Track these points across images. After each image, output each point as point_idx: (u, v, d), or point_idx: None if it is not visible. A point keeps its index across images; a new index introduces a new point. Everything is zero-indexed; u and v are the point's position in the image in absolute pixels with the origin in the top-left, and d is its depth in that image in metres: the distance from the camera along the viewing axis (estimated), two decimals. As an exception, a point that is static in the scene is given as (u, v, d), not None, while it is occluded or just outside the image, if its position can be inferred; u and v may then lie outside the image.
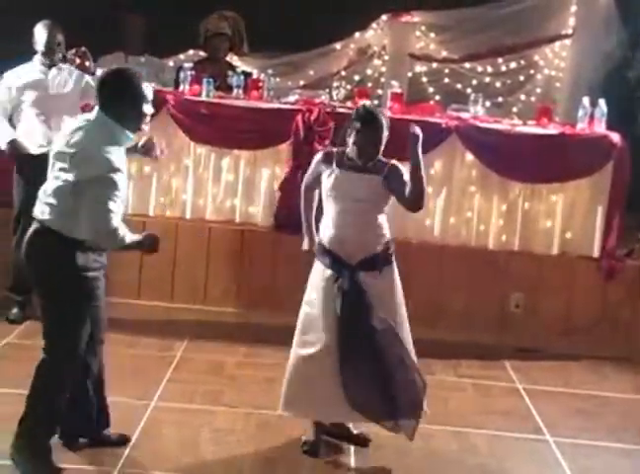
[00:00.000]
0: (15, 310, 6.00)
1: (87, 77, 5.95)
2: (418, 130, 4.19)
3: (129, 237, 3.89)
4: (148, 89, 3.98)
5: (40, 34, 5.88)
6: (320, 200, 4.53)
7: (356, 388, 4.26)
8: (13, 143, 5.85)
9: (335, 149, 4.44)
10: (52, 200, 3.88)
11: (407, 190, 4.24)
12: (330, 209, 4.37)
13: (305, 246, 4.57)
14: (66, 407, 4.06)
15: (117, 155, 3.85)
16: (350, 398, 4.25)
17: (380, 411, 4.30)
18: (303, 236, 4.61)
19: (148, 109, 3.98)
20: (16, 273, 6.02)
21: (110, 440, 4.30)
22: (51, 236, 3.88)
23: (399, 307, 4.41)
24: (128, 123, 3.93)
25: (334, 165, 4.34)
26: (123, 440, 4.33)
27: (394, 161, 4.34)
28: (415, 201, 4.28)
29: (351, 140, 4.31)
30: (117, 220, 3.80)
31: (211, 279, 6.37)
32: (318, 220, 4.51)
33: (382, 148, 4.32)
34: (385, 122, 4.29)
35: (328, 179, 4.36)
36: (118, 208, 3.80)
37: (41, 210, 3.92)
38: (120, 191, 3.80)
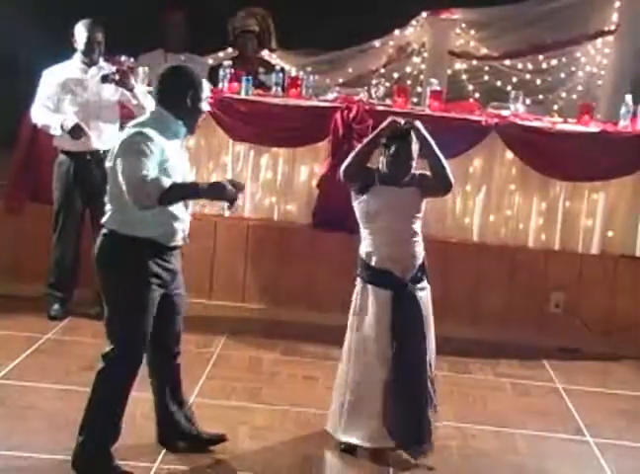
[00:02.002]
0: (56, 306, 6.04)
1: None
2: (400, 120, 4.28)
3: (171, 183, 3.72)
4: (206, 87, 4.01)
5: (81, 32, 5.89)
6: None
7: (397, 409, 4.27)
8: (78, 127, 5.77)
9: (370, 167, 4.41)
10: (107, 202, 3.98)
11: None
12: (377, 228, 4.33)
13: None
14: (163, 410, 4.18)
15: (161, 140, 3.82)
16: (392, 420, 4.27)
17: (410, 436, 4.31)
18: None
19: (205, 106, 4.02)
20: (57, 269, 6.07)
21: (203, 441, 4.30)
22: (109, 235, 3.96)
23: (431, 319, 4.43)
24: (185, 117, 3.94)
25: (377, 183, 4.32)
26: (219, 439, 4.32)
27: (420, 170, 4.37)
28: (440, 178, 4.29)
29: (382, 158, 4.32)
30: (150, 172, 3.69)
31: (250, 277, 6.39)
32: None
33: (414, 162, 4.33)
34: (415, 136, 4.29)
35: (373, 197, 4.32)
36: (152, 171, 3.70)
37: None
38: (150, 156, 3.73)
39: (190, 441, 4.28)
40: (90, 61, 5.94)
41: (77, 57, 5.96)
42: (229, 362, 5.52)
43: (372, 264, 4.33)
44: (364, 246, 4.39)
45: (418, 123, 4.29)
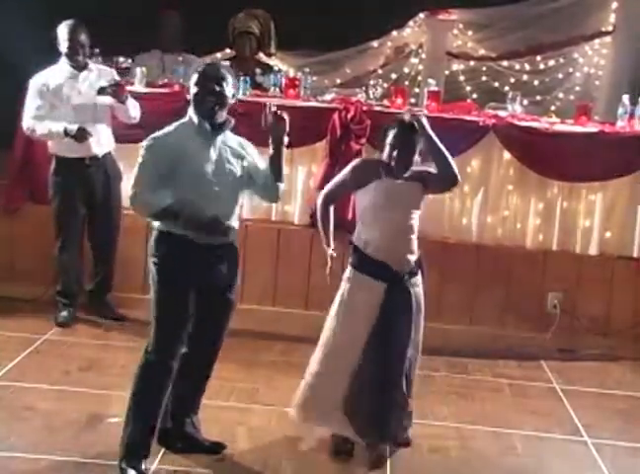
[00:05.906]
0: (64, 313, 5.91)
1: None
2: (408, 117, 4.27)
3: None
4: (213, 70, 4.00)
5: (63, 34, 5.69)
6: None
7: (361, 398, 4.24)
8: (83, 129, 5.63)
9: (375, 158, 4.38)
10: None
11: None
12: (376, 219, 4.28)
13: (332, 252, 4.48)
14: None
15: (186, 136, 3.92)
16: (352, 408, 4.25)
17: (373, 429, 4.28)
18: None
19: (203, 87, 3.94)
20: (63, 277, 5.96)
21: (203, 446, 4.29)
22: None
23: (421, 317, 4.38)
24: (197, 107, 3.95)
25: (383, 175, 4.28)
26: (218, 448, 4.31)
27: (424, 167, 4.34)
28: (446, 174, 4.24)
29: (386, 151, 4.28)
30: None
31: (247, 278, 6.35)
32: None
33: (417, 156, 4.30)
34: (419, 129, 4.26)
35: (377, 189, 4.27)
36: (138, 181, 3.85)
37: None
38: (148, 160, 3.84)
39: (189, 444, 4.27)
40: (77, 64, 5.75)
41: (63, 61, 5.77)
42: (226, 363, 5.50)
43: (368, 253, 4.29)
44: (361, 234, 4.34)
45: (423, 118, 4.26)
